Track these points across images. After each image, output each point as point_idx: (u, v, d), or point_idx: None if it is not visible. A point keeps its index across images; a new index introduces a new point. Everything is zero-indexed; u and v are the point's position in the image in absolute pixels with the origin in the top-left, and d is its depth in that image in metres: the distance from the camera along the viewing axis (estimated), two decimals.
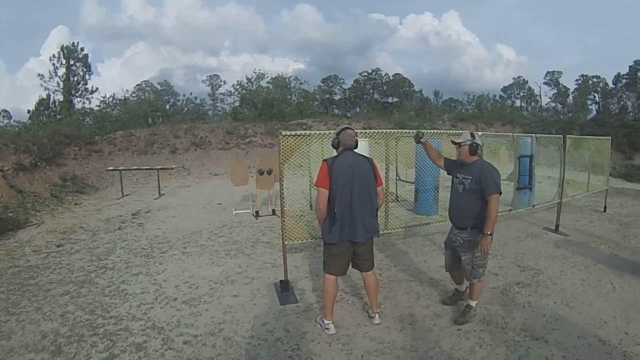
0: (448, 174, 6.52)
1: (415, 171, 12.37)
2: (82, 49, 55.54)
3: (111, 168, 21.25)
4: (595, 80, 68.51)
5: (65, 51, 53.90)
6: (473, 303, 6.09)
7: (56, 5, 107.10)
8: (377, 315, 6.14)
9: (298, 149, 6.95)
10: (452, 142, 6.19)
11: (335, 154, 5.92)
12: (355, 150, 5.97)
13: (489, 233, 5.62)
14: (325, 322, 5.97)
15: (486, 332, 5.76)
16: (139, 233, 11.94)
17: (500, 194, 5.74)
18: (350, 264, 6.00)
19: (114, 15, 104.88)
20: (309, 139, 7.31)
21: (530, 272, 8.06)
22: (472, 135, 6.02)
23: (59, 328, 6.31)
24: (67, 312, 6.84)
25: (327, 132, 7.64)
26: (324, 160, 5.78)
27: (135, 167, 22.20)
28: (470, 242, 5.85)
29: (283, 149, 6.83)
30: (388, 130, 8.56)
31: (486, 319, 6.12)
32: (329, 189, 5.56)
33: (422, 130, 6.77)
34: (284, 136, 6.87)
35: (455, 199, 6.12)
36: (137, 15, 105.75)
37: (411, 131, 8.08)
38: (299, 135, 7.04)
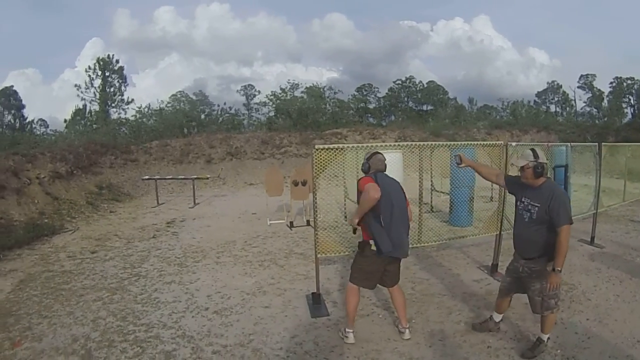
0: (510, 192, 6.00)
1: (450, 181, 12.24)
2: (117, 61, 57.35)
3: (147, 177, 21.41)
4: (629, 82, 67.06)
5: (101, 63, 55.22)
6: (545, 337, 5.62)
7: (90, 18, 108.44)
8: (407, 330, 6.05)
9: (331, 162, 6.92)
10: (513, 165, 5.78)
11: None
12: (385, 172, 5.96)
13: (559, 269, 5.06)
14: (346, 330, 5.97)
15: (516, 350, 5.63)
16: (173, 242, 12.03)
17: (572, 223, 5.12)
18: None
19: (146, 28, 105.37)
20: (343, 152, 7.23)
21: (564, 287, 7.73)
22: (535, 154, 5.29)
23: (90, 333, 6.42)
24: (98, 318, 6.95)
25: (360, 145, 7.62)
26: (367, 175, 5.77)
27: (171, 177, 22.32)
28: (539, 272, 5.30)
29: (316, 162, 6.82)
30: (422, 143, 8.50)
31: (517, 336, 5.99)
32: (385, 200, 5.50)
33: (459, 154, 6.29)
34: (317, 150, 6.86)
35: (521, 229, 5.53)
36: (169, 28, 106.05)
37: (446, 142, 7.98)
38: (332, 149, 7.00)
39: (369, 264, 5.70)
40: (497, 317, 6.05)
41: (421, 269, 9.06)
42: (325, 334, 6.24)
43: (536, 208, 5.23)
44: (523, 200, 5.47)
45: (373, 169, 5.81)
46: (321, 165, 6.88)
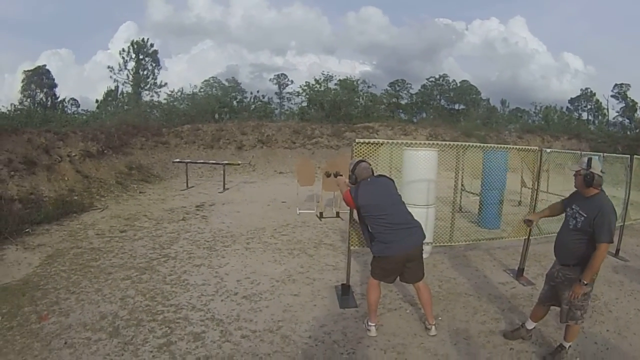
0: (565, 208, 5.73)
1: (481, 183, 12.16)
2: (151, 45, 58.51)
3: (177, 160, 21.58)
4: None
5: (135, 46, 56.27)
6: (567, 344, 5.60)
7: (124, 2, 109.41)
8: (433, 327, 6.11)
9: (370, 156, 6.94)
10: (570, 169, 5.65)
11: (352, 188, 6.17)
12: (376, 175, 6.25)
13: (585, 282, 5.04)
14: (369, 323, 6.07)
15: (537, 354, 5.66)
16: (203, 225, 12.09)
17: (612, 242, 5.08)
18: (399, 276, 6.06)
19: (180, 13, 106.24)
20: (382, 146, 7.28)
21: None
22: (589, 163, 5.24)
23: (118, 311, 6.50)
24: (127, 296, 7.04)
25: (399, 141, 7.66)
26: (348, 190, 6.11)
27: (202, 161, 22.41)
28: (572, 280, 5.22)
29: (356, 155, 6.84)
30: (459, 143, 8.49)
31: (539, 340, 5.99)
32: (365, 211, 5.88)
33: (529, 219, 6.26)
34: (357, 143, 6.94)
35: (563, 235, 5.52)
36: (203, 14, 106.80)
37: (482, 144, 7.92)
38: (371, 144, 7.07)
39: (387, 262, 5.82)
40: (530, 325, 5.98)
41: (448, 268, 9.07)
42: (354, 325, 6.29)
43: (582, 217, 5.17)
44: (573, 207, 5.40)
45: (359, 178, 6.01)
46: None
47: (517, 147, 9.20)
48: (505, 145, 11.21)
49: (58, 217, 12.02)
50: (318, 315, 6.54)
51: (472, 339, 6.03)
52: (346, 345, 5.70)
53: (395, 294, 7.34)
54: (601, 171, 5.18)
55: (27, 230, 10.49)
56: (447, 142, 8.60)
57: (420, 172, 8.67)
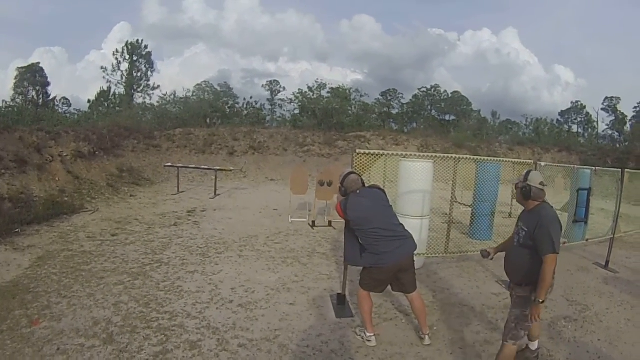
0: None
1: (474, 195, 12.20)
2: (146, 47, 57.95)
3: (169, 164, 21.64)
4: None
5: (130, 47, 55.84)
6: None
7: (119, 3, 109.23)
8: (427, 336, 6.14)
9: (370, 166, 7.05)
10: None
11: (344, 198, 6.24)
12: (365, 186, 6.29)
13: (540, 300, 4.69)
14: (367, 334, 6.05)
15: None
16: (195, 231, 12.06)
17: (557, 253, 4.70)
18: (392, 286, 6.13)
19: (175, 16, 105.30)
20: (378, 158, 7.37)
21: (578, 307, 7.86)
22: (526, 175, 5.13)
23: (111, 317, 6.42)
24: (120, 302, 6.96)
25: (397, 153, 7.74)
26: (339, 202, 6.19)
27: (194, 166, 22.57)
28: (523, 298, 4.96)
29: (356, 166, 6.90)
30: (457, 155, 8.56)
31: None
32: (354, 224, 5.94)
33: (486, 250, 5.96)
34: (357, 154, 6.99)
35: (509, 253, 5.34)
36: (197, 18, 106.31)
37: (482, 158, 7.93)
38: (371, 154, 7.14)
39: (379, 273, 5.84)
40: (533, 346, 5.91)
41: (442, 278, 9.10)
42: (351, 334, 6.28)
43: (524, 232, 5.03)
44: (518, 223, 5.29)
45: (349, 191, 6.08)
46: (361, 169, 6.94)
47: (512, 160, 9.27)
48: (501, 159, 11.30)
49: (48, 218, 12.00)
50: (315, 325, 6.52)
51: (468, 348, 6.08)
52: (344, 355, 5.68)
53: (390, 304, 7.35)
54: (540, 183, 5.07)
55: (16, 230, 10.44)
56: (447, 155, 8.66)
57: (416, 184, 8.74)
